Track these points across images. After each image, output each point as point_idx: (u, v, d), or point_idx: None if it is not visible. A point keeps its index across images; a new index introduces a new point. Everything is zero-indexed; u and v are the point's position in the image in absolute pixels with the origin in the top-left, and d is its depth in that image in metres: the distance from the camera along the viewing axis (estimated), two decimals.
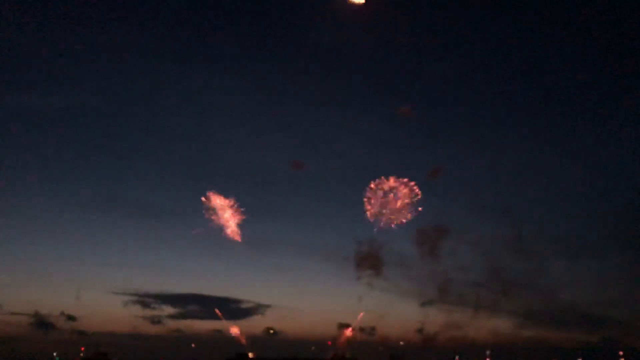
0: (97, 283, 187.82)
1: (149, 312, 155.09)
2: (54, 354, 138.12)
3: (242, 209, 71.16)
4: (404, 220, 69.53)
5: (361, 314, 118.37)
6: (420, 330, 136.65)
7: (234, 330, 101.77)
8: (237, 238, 67.43)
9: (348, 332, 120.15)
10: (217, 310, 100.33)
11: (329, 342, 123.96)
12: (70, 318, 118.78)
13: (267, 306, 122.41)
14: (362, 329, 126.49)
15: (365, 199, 70.22)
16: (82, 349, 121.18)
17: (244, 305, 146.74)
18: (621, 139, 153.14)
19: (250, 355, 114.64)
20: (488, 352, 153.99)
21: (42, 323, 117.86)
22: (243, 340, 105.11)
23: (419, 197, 68.72)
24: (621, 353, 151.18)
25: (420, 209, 69.32)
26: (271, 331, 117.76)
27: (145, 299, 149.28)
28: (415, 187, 69.14)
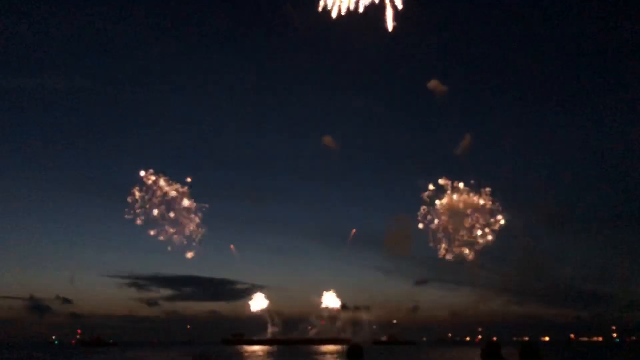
0: (92, 266, 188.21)
1: (144, 295, 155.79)
2: (53, 337, 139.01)
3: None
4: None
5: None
6: (414, 309, 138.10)
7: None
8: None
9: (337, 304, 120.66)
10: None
11: (322, 322, 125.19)
12: (66, 301, 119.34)
13: (261, 287, 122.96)
14: (357, 308, 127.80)
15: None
16: (79, 331, 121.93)
17: (238, 287, 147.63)
18: (620, 120, 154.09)
19: None
20: (480, 329, 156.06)
21: (37, 306, 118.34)
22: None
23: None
24: (614, 328, 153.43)
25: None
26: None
27: (140, 282, 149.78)
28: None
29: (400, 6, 18.49)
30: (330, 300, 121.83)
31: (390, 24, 18.81)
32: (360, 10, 18.22)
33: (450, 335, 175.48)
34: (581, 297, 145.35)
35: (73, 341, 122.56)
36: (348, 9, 18.39)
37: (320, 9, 18.60)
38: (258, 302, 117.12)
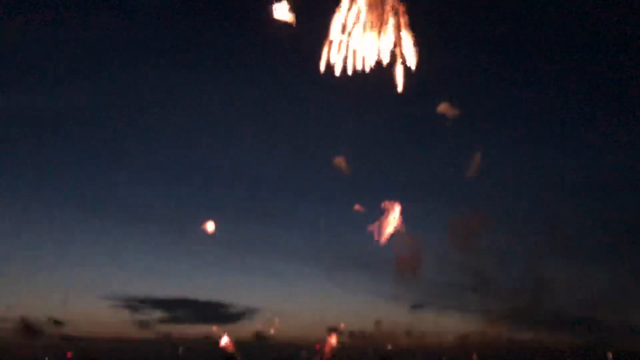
0: (85, 287, 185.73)
1: (137, 316, 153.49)
2: (46, 358, 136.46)
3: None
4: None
5: (342, 324, 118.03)
6: (409, 334, 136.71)
7: (225, 340, 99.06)
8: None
9: (333, 339, 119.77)
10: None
11: (317, 346, 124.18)
12: (58, 323, 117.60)
13: (256, 310, 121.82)
14: (351, 333, 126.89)
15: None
16: (69, 354, 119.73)
17: (232, 310, 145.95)
18: (622, 144, 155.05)
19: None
20: (474, 356, 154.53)
21: (28, 328, 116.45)
22: (231, 349, 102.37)
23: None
24: (610, 356, 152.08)
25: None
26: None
27: (133, 303, 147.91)
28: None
29: (413, 66, 19.20)
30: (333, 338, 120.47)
31: (400, 85, 19.51)
32: (367, 70, 19.08)
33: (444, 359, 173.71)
34: (577, 323, 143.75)
35: None
36: (354, 67, 19.23)
37: (323, 67, 19.43)
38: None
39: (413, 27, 21.04)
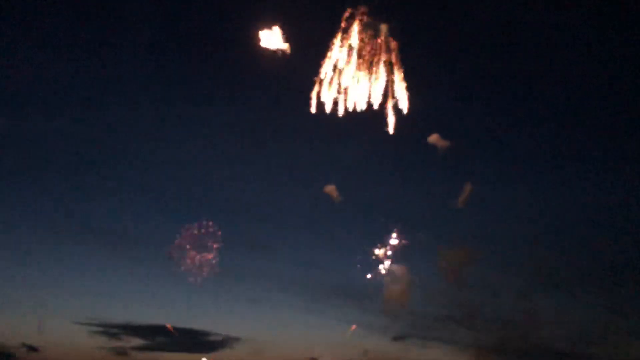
0: (61, 313, 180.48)
1: (114, 343, 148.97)
2: None
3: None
4: None
5: (325, 355, 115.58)
6: None
7: None
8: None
9: None
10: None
11: None
12: (31, 349, 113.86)
13: (237, 339, 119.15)
14: None
15: None
16: None
17: (212, 338, 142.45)
18: (607, 177, 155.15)
19: None
20: None
21: (1, 354, 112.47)
22: None
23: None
24: None
25: None
26: None
27: (110, 330, 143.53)
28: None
29: (405, 110, 19.05)
30: None
31: (391, 128, 19.33)
32: (359, 109, 18.92)
33: None
34: (561, 357, 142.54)
35: None
36: (345, 108, 19.08)
37: (314, 107, 19.24)
38: None
39: (404, 63, 20.91)
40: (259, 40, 21.74)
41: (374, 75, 20.12)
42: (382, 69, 19.86)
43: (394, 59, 20.99)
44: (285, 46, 21.05)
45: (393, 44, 21.32)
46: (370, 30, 21.17)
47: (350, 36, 21.34)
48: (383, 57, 21.18)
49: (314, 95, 19.64)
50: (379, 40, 21.24)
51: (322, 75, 19.92)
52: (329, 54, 20.60)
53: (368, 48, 21.20)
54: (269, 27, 21.61)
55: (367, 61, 21.03)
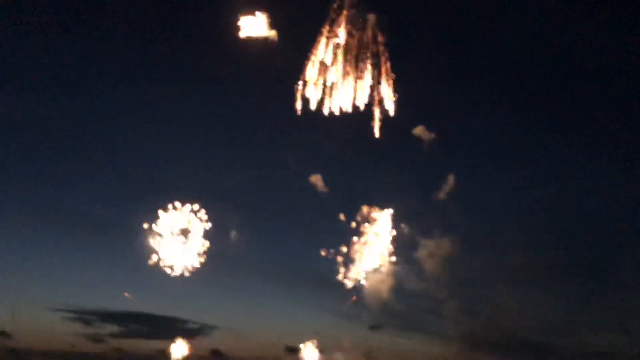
0: (34, 298, 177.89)
1: (89, 330, 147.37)
2: None
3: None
4: None
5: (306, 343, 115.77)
6: (367, 355, 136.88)
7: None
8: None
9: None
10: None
11: None
12: (3, 335, 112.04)
13: (213, 327, 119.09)
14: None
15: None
16: None
17: (189, 326, 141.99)
18: (573, 167, 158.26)
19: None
20: None
21: None
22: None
23: None
24: None
25: None
26: None
27: (85, 316, 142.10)
28: None
29: (391, 112, 18.95)
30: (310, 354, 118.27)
31: (377, 132, 19.24)
32: (344, 111, 18.84)
33: None
34: (532, 348, 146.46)
35: None
36: (330, 109, 18.99)
37: (298, 106, 19.08)
38: (179, 349, 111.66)
39: (391, 56, 20.67)
40: (240, 27, 21.12)
41: (360, 74, 20.01)
42: (368, 70, 19.81)
43: (381, 52, 20.76)
44: (271, 33, 20.39)
45: (380, 38, 21.15)
46: (358, 22, 20.88)
47: (337, 29, 20.98)
48: (370, 51, 20.94)
49: (298, 95, 19.46)
50: (367, 34, 21.00)
51: (307, 73, 19.74)
52: (314, 51, 20.35)
53: (355, 42, 20.95)
54: (253, 14, 20.80)
55: (354, 57, 20.80)
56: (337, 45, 20.45)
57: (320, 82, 19.41)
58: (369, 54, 20.58)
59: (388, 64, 20.73)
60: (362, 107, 19.56)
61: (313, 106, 19.72)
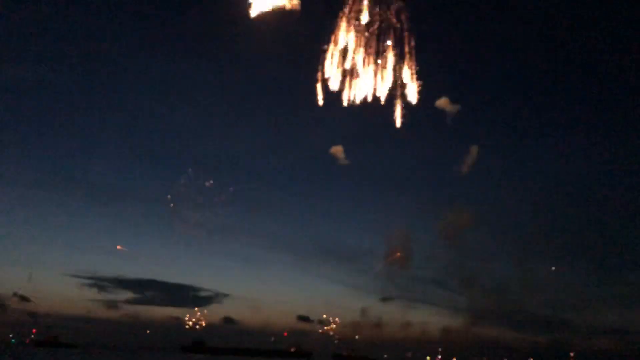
0: (52, 264, 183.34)
1: (105, 296, 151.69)
2: (10, 335, 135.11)
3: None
4: None
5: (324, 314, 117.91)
6: (377, 326, 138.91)
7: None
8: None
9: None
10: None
11: (285, 333, 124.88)
12: (23, 299, 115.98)
13: (226, 295, 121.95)
14: (320, 322, 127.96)
15: None
16: (34, 331, 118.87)
17: (202, 294, 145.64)
18: (582, 150, 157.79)
19: None
20: (440, 349, 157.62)
21: None
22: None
23: None
24: (572, 354, 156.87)
25: None
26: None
27: (101, 283, 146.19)
28: None
29: (414, 101, 18.21)
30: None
31: (398, 121, 18.60)
32: (370, 98, 18.15)
33: (410, 354, 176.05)
34: (540, 322, 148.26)
35: (28, 340, 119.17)
36: (350, 99, 18.29)
37: (320, 99, 18.39)
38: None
39: (414, 34, 19.51)
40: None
41: (382, 59, 19.12)
42: (390, 56, 18.93)
43: (404, 30, 19.60)
44: (293, 2, 19.16)
45: (403, 16, 20.08)
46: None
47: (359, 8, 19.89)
48: (393, 28, 19.80)
49: (318, 86, 18.70)
50: (389, 13, 19.93)
51: (327, 62, 18.94)
52: (335, 34, 19.44)
53: (376, 21, 19.91)
54: None
55: (375, 37, 19.78)
56: (358, 26, 19.49)
57: (340, 70, 18.63)
58: (391, 34, 19.55)
59: (412, 44, 19.66)
60: (383, 98, 18.82)
61: (333, 96, 19.04)
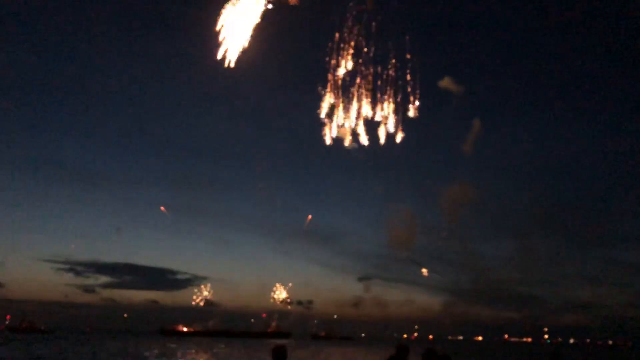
0: (26, 249, 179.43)
1: (81, 281, 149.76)
2: None
3: None
4: None
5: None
6: (355, 305, 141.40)
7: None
8: None
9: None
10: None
11: (264, 315, 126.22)
12: None
13: (204, 278, 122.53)
14: (299, 303, 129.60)
15: None
16: (8, 317, 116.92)
17: (180, 277, 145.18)
18: (561, 133, 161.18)
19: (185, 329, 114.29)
20: (416, 327, 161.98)
21: None
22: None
23: None
24: (546, 329, 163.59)
25: None
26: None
27: (77, 267, 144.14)
28: None
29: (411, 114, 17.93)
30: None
31: (399, 137, 18.36)
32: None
33: (388, 332, 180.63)
34: (514, 299, 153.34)
35: (2, 327, 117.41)
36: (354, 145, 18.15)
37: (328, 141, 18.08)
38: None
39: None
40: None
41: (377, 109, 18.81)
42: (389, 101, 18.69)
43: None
44: None
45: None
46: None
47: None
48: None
49: (326, 130, 18.32)
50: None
51: (324, 107, 18.54)
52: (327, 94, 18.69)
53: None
54: None
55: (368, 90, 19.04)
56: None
57: (341, 120, 18.32)
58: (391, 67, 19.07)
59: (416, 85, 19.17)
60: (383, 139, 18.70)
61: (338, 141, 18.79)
